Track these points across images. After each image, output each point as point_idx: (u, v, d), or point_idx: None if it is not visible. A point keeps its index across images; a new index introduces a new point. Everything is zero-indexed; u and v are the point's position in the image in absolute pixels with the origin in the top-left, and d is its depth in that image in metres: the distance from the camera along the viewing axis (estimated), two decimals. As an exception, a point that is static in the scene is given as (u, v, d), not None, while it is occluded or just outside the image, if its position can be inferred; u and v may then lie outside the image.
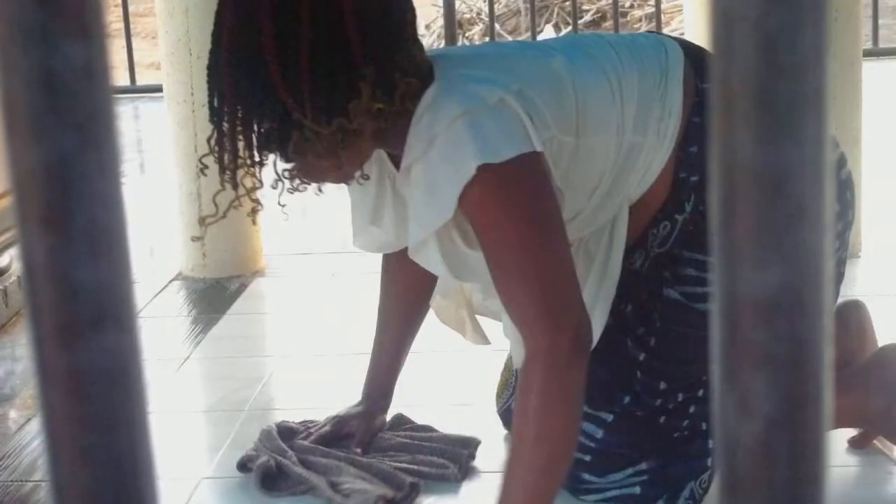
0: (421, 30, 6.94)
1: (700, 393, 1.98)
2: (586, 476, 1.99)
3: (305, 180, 1.76)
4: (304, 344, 2.78)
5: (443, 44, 5.59)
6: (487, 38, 5.87)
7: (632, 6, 7.65)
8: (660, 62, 1.87)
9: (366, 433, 2.16)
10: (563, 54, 1.84)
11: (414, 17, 1.76)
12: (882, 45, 5.86)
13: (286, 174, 1.74)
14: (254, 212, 1.79)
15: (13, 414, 2.49)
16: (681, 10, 6.72)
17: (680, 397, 1.97)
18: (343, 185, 1.90)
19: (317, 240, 3.62)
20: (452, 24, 4.12)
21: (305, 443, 2.14)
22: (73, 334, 0.42)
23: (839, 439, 2.10)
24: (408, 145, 1.75)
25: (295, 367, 2.64)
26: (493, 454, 2.13)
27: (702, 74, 1.88)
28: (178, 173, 3.23)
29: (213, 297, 3.14)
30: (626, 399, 1.97)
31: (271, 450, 2.12)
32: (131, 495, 0.44)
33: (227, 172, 1.70)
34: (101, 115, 0.42)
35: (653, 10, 5.91)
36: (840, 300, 2.19)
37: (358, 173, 1.78)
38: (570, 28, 6.52)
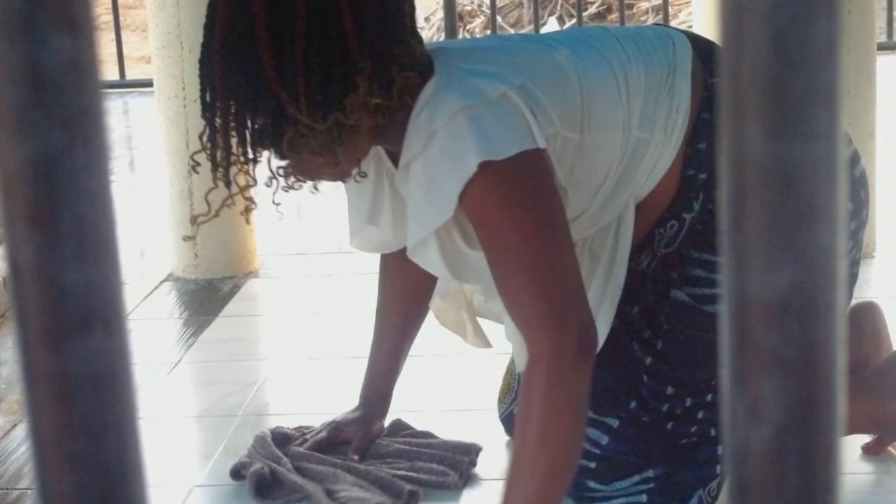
0: (420, 22, 6.93)
1: (709, 398, 1.97)
2: (591, 484, 1.97)
3: (301, 178, 1.74)
4: (299, 347, 2.76)
5: (443, 37, 5.56)
6: (489, 31, 5.84)
7: (638, -3, 7.62)
8: (667, 56, 1.86)
9: (363, 439, 2.14)
10: (568, 48, 1.82)
11: (412, 8, 1.75)
12: (897, 38, 5.79)
13: (281, 172, 1.72)
14: (247, 210, 1.77)
15: (-2, 419, 2.47)
16: (689, 2, 6.71)
17: (688, 402, 1.96)
18: (339, 184, 1.88)
19: (312, 240, 3.62)
20: (453, 16, 4.08)
21: (301, 449, 2.13)
22: (60, 337, 0.42)
23: (852, 445, 2.08)
24: (406, 141, 1.73)
25: (290, 371, 2.62)
26: (494, 461, 2.11)
27: (710, 68, 1.87)
28: (169, 171, 3.22)
29: (206, 298, 3.13)
30: (633, 404, 1.95)
31: (265, 457, 2.11)
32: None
33: (220, 170, 1.69)
34: (89, 110, 0.42)
35: (660, 2, 5.88)
36: (854, 302, 2.19)
37: (355, 171, 1.77)
38: (574, 20, 6.50)
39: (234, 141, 1.67)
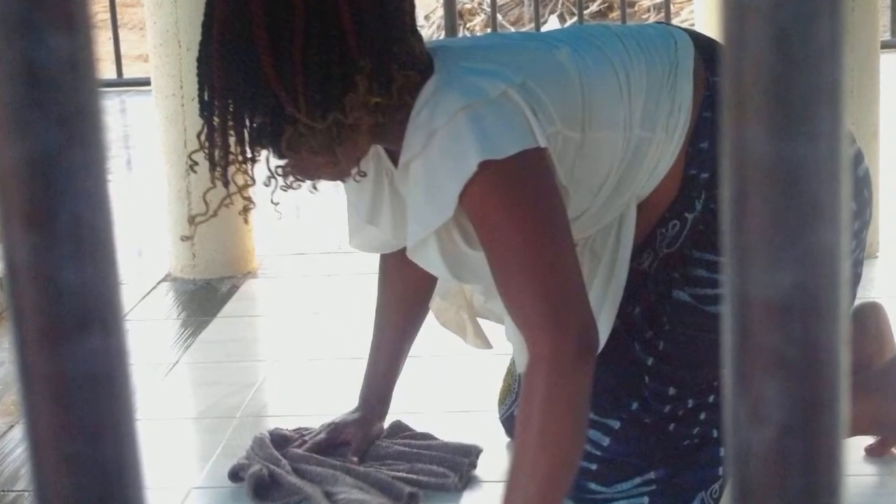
0: (420, 20, 6.90)
1: (711, 399, 1.96)
2: (592, 486, 1.96)
3: (299, 177, 1.74)
4: (298, 348, 2.75)
5: (443, 35, 5.54)
6: (489, 30, 5.83)
7: (640, -5, 7.60)
8: (669, 54, 1.85)
9: (362, 441, 2.13)
10: (569, 46, 1.82)
11: (412, 6, 1.74)
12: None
13: (279, 171, 1.72)
14: (246, 210, 1.77)
15: (-5, 421, 2.46)
16: (690, 0, 6.68)
17: (690, 403, 1.95)
18: (339, 183, 1.87)
19: (311, 239, 3.60)
20: (453, 14, 4.07)
21: (300, 451, 2.12)
22: (57, 337, 0.42)
23: (856, 447, 2.07)
24: (406, 140, 1.73)
25: (289, 372, 2.61)
26: (494, 463, 2.11)
27: (713, 67, 1.86)
28: (167, 170, 3.21)
29: (204, 298, 3.11)
30: (634, 405, 1.94)
31: (264, 458, 2.10)
32: (118, 505, 0.44)
33: (218, 169, 1.68)
34: (86, 109, 0.42)
35: (661, 0, 5.85)
36: (857, 302, 2.18)
37: (354, 170, 1.76)
38: (575, 19, 6.48)
39: (232, 140, 1.66)
